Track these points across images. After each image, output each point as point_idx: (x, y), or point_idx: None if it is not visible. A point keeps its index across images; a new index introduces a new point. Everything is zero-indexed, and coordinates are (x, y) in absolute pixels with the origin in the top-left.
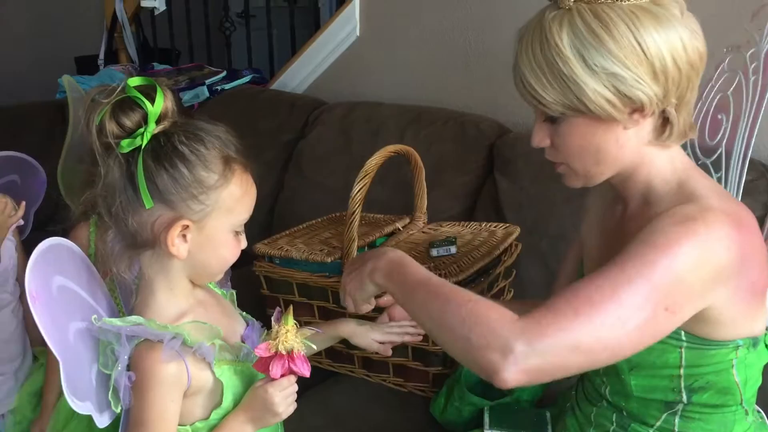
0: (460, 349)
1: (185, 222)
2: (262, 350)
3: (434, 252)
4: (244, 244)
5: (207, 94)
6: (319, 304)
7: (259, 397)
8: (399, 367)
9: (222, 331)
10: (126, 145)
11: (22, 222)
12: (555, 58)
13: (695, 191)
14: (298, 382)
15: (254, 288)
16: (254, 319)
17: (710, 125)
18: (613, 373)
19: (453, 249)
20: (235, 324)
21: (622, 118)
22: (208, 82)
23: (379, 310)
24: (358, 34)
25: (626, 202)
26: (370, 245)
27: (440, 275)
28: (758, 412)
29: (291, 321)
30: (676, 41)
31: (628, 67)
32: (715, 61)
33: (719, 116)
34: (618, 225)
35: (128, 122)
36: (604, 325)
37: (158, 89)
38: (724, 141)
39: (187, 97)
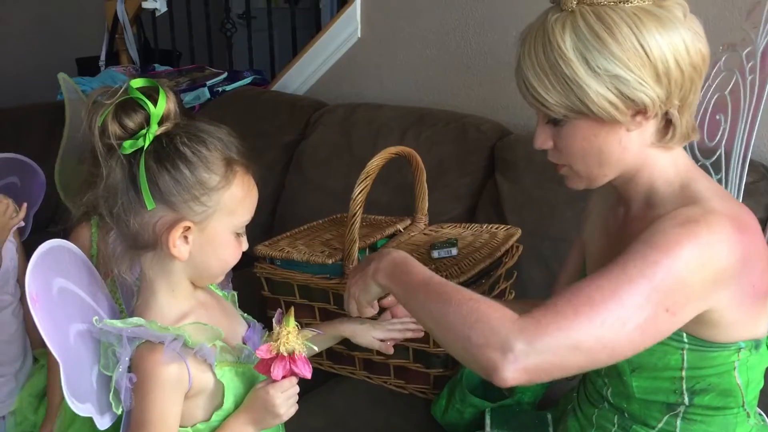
0: (460, 347)
1: (187, 223)
2: (263, 352)
3: (435, 254)
4: (245, 245)
5: (208, 95)
6: (320, 306)
7: (260, 399)
8: (400, 369)
9: (223, 333)
10: (128, 146)
11: (22, 223)
12: (558, 60)
13: (697, 193)
14: (299, 383)
15: (255, 289)
16: (255, 321)
17: (708, 126)
18: (614, 374)
19: (454, 251)
20: (237, 325)
21: (625, 121)
22: (209, 83)
23: (380, 310)
24: (359, 35)
25: (629, 204)
26: (371, 247)
27: (441, 277)
28: (760, 414)
29: (292, 322)
30: (678, 43)
31: (631, 70)
32: (711, 60)
33: (717, 117)
34: (620, 227)
35: (131, 123)
36: (604, 325)
37: (161, 91)
38: (723, 142)
39: (188, 98)
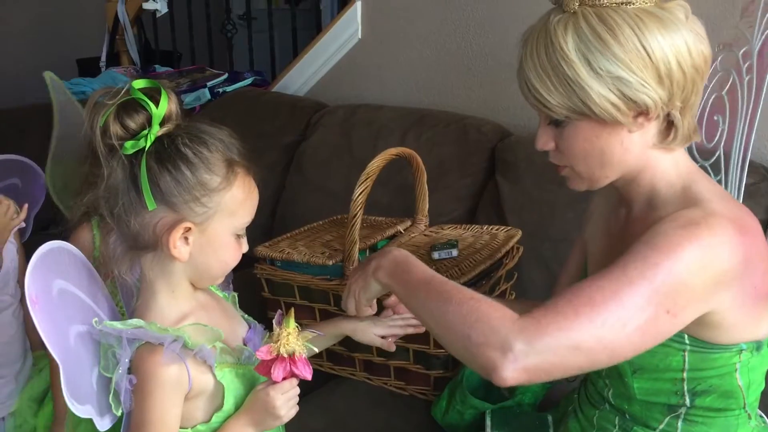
0: (460, 346)
1: (187, 224)
2: (263, 353)
3: (436, 255)
4: (245, 247)
5: (208, 96)
6: (321, 307)
7: (261, 400)
8: (400, 371)
9: (223, 334)
10: (129, 146)
11: (23, 225)
12: (560, 61)
13: (699, 195)
14: (299, 384)
15: (255, 291)
16: (256, 322)
17: (707, 127)
18: (616, 376)
19: (454, 252)
20: (237, 327)
21: (627, 122)
22: (209, 84)
23: (379, 309)
24: (359, 36)
25: (630, 205)
26: (371, 248)
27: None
28: (761, 416)
29: (292, 324)
30: (681, 45)
31: (633, 71)
32: None
33: (715, 117)
34: (622, 228)
35: (132, 124)
36: (604, 326)
37: (163, 92)
38: (722, 143)
39: (188, 99)
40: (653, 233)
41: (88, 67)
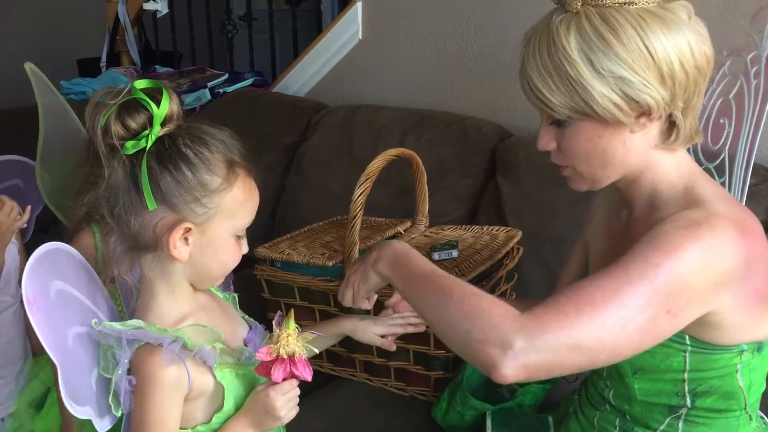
0: (459, 342)
1: (187, 225)
2: (263, 354)
3: (436, 256)
4: (245, 248)
5: (209, 96)
6: (321, 308)
7: (261, 401)
8: (400, 372)
9: (223, 335)
10: (130, 146)
11: (25, 225)
12: (562, 61)
13: (701, 196)
14: (299, 385)
15: (255, 292)
16: (257, 323)
17: (713, 130)
18: (616, 376)
19: (455, 253)
20: (237, 327)
21: (629, 122)
22: (210, 84)
23: (377, 308)
24: (360, 37)
25: (632, 206)
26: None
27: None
28: (761, 417)
29: (292, 325)
30: (683, 45)
31: (635, 71)
32: (715, 65)
33: (721, 120)
34: (623, 228)
35: (133, 124)
36: (605, 326)
37: (164, 92)
38: (727, 146)
39: (189, 99)
40: (655, 234)
41: (89, 68)
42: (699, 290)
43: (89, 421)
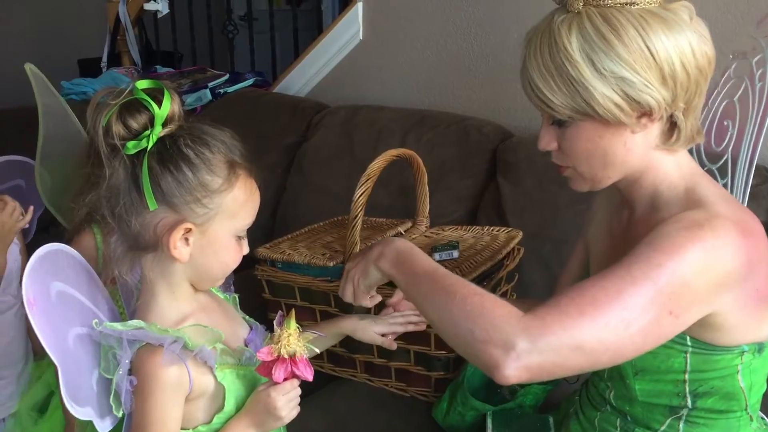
0: (462, 341)
1: (188, 225)
2: (264, 354)
3: (436, 256)
4: (245, 249)
5: (210, 97)
6: (321, 309)
7: (262, 401)
8: (401, 372)
9: (223, 335)
10: (132, 146)
11: (27, 225)
12: (564, 61)
13: (702, 197)
14: (300, 385)
15: (256, 292)
16: (258, 323)
17: (716, 132)
18: (617, 377)
19: (455, 253)
20: (238, 328)
21: (630, 122)
22: (210, 85)
23: (378, 307)
24: (361, 37)
25: (633, 207)
26: None
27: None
28: (762, 418)
29: (293, 324)
30: (685, 46)
31: (637, 72)
32: (721, 68)
33: (725, 123)
34: (625, 229)
35: (135, 124)
36: (607, 327)
37: (166, 92)
38: (730, 147)
39: (189, 99)
40: (657, 234)
41: (90, 68)
42: (701, 291)
43: (91, 423)
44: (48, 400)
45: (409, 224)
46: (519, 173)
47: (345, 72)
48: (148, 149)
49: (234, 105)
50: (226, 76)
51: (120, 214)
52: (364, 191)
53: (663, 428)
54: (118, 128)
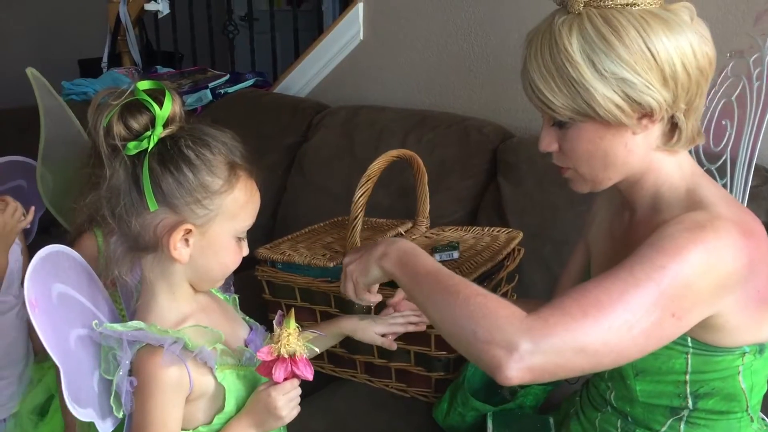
0: (464, 342)
1: (188, 226)
2: (264, 354)
3: (437, 257)
4: (246, 250)
5: (210, 97)
6: (322, 309)
7: (262, 401)
8: (401, 372)
9: (223, 336)
10: (132, 147)
11: (28, 226)
12: (564, 62)
13: (704, 198)
14: (300, 385)
15: (256, 293)
16: (258, 324)
17: (714, 131)
18: (618, 378)
19: (455, 254)
20: (238, 328)
21: (631, 124)
22: (211, 85)
23: (378, 307)
24: (361, 38)
25: (634, 208)
26: None
27: None
28: (763, 419)
29: (293, 324)
30: (686, 47)
31: (637, 73)
32: (718, 67)
33: (723, 122)
34: (626, 230)
35: (136, 125)
36: (611, 329)
37: (167, 93)
38: (729, 147)
39: (190, 100)
40: (659, 236)
41: (90, 68)
42: (703, 293)
43: (92, 425)
44: (48, 404)
45: (410, 225)
46: (519, 174)
47: (345, 72)
48: (149, 150)
49: (234, 105)
50: (227, 77)
51: (120, 214)
52: (364, 192)
53: (664, 429)
54: (118, 129)
